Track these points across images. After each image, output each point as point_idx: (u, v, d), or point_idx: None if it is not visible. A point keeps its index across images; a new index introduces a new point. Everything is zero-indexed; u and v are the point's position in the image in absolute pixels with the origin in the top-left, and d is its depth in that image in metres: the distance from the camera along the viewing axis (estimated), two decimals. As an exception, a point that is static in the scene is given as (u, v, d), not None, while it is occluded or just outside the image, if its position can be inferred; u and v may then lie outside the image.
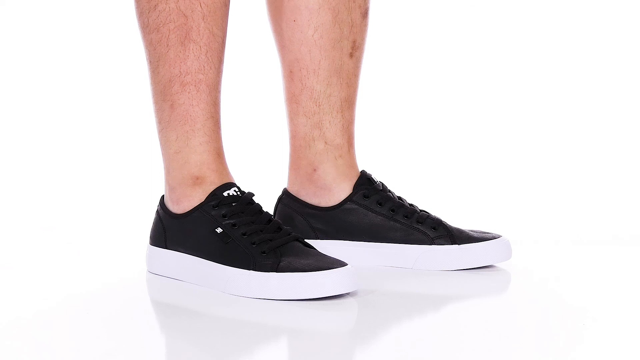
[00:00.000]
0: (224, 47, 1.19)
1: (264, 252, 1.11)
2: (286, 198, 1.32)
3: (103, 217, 1.74)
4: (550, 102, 2.31)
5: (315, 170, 1.29)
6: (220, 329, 1.00)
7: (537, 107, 2.33)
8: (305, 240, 1.16)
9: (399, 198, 1.29)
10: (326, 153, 1.29)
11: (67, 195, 1.98)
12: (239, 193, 1.17)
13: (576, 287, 1.18)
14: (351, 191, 1.29)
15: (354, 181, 1.29)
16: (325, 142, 1.29)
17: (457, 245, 1.24)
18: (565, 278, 1.23)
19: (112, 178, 2.16)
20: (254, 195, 1.19)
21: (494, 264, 1.25)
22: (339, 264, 1.10)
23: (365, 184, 1.29)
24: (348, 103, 1.29)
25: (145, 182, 2.14)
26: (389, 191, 1.30)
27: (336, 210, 1.29)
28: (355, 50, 1.28)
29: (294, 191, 1.31)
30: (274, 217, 1.23)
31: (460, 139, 2.26)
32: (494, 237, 1.25)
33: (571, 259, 1.35)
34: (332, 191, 1.29)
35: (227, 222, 1.15)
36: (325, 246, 1.28)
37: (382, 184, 1.30)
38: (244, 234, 1.13)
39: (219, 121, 1.20)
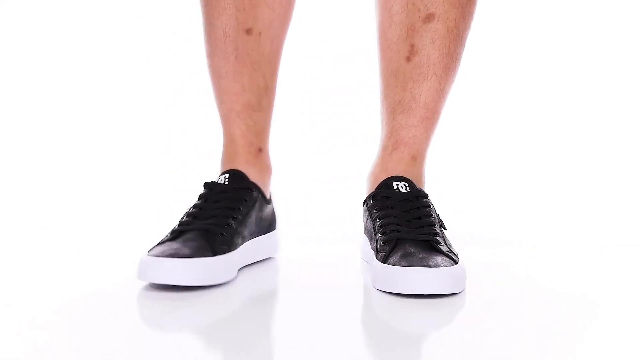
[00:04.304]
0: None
1: (168, 235, 1.19)
2: None
3: (103, 217, 1.74)
4: (549, 104, 2.31)
5: (373, 166, 1.30)
6: (221, 329, 1.00)
7: (538, 109, 2.33)
8: (220, 233, 1.18)
9: None
10: (379, 151, 1.29)
11: (67, 195, 1.98)
12: (226, 181, 1.24)
13: (576, 287, 1.18)
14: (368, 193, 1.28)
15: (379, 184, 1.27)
16: (380, 141, 1.29)
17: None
18: (565, 278, 1.23)
19: (112, 178, 2.16)
20: (235, 186, 1.25)
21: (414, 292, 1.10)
22: (177, 255, 1.12)
23: (382, 189, 1.24)
24: (402, 107, 1.25)
25: (145, 182, 2.14)
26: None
27: None
28: (413, 55, 1.23)
29: None
30: None
31: (462, 141, 2.26)
32: (436, 265, 1.10)
33: (571, 259, 1.35)
34: (366, 190, 1.30)
35: (193, 204, 1.24)
36: None
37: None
38: (185, 216, 1.22)
39: (237, 108, 1.29)
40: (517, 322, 1.02)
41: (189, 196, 1.91)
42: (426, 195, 1.22)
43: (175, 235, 1.18)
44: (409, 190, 1.21)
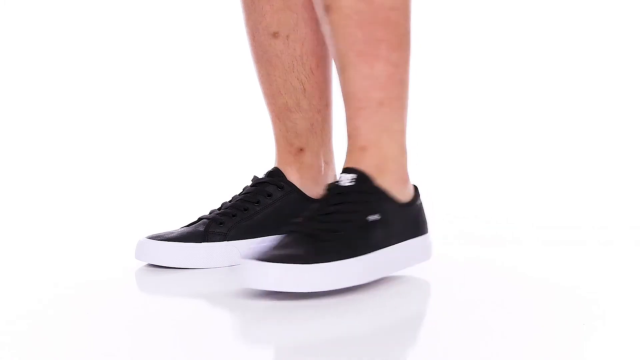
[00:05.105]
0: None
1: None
2: None
3: (103, 217, 1.74)
4: (540, 101, 2.31)
5: None
6: (220, 327, 1.00)
7: (530, 108, 2.33)
8: (220, 222, 1.27)
9: None
10: None
11: (67, 196, 1.97)
12: (263, 177, 1.32)
13: (576, 287, 1.18)
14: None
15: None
16: None
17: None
18: (565, 278, 1.23)
19: (112, 178, 2.16)
20: (261, 179, 1.31)
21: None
22: (163, 238, 1.23)
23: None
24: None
25: (145, 182, 2.14)
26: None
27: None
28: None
29: None
30: None
31: (454, 140, 2.26)
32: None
33: (571, 258, 1.35)
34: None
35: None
36: None
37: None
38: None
39: (276, 110, 1.33)
40: (516, 321, 1.02)
41: (189, 196, 1.91)
42: (353, 190, 1.16)
43: (194, 222, 1.28)
44: (351, 183, 1.16)
